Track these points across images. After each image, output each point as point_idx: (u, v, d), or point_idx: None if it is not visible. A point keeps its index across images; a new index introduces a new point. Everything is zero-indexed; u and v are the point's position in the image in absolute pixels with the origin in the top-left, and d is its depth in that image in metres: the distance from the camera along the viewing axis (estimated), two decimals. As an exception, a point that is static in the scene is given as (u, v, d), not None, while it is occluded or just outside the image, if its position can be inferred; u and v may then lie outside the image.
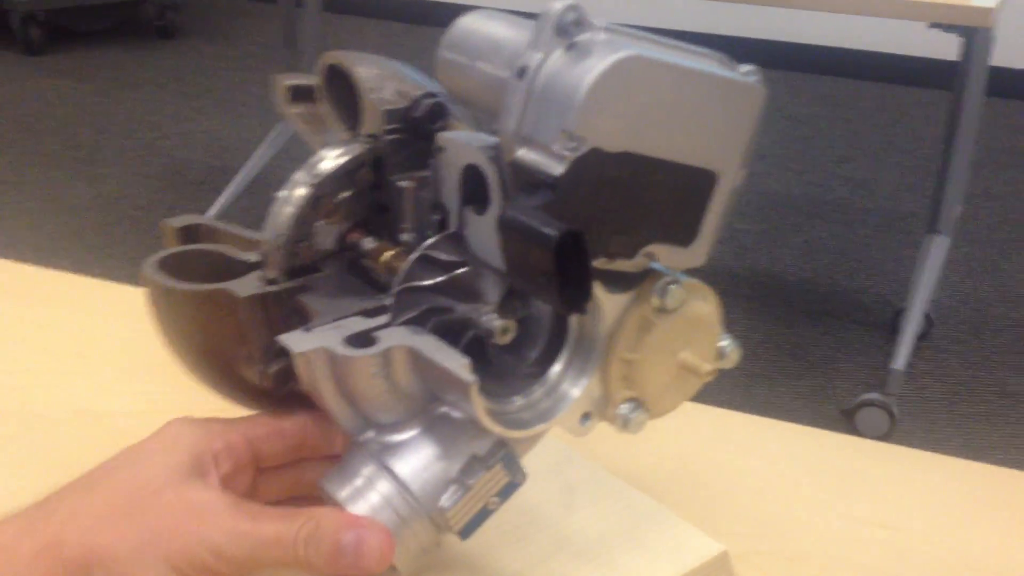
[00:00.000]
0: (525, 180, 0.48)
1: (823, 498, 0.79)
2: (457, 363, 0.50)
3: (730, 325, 0.59)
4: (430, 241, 0.54)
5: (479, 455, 0.53)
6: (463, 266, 0.54)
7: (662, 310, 0.55)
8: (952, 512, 0.78)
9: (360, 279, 0.59)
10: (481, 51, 0.51)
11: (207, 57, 4.53)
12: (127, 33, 4.70)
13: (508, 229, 0.48)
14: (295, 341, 0.52)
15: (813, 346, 2.51)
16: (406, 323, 0.53)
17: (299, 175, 0.56)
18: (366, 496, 0.53)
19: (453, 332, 0.54)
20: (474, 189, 0.52)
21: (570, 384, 0.56)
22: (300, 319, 0.55)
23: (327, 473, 0.55)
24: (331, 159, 0.56)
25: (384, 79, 0.59)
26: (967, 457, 0.83)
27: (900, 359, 2.22)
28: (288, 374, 0.54)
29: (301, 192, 0.56)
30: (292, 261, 0.56)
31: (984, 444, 2.18)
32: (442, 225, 0.56)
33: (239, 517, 0.52)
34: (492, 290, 0.55)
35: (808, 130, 3.81)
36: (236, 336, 0.55)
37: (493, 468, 0.53)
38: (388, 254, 0.56)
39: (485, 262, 0.53)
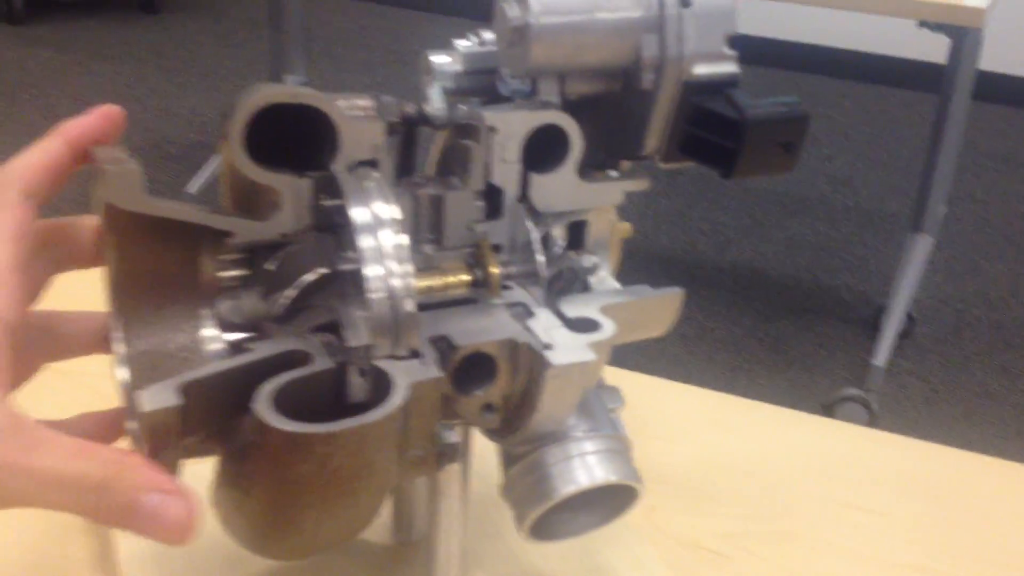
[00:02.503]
0: (703, 86, 0.55)
1: (810, 481, 0.79)
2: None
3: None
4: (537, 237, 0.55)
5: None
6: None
7: None
8: (936, 498, 0.78)
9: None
10: (593, 3, 0.54)
11: (190, 32, 4.49)
12: (110, 5, 4.65)
13: (760, 126, 0.55)
14: (555, 356, 0.49)
15: (794, 341, 2.52)
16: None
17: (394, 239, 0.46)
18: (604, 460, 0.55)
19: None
20: (542, 150, 0.54)
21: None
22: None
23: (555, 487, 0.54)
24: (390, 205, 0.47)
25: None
26: (946, 456, 0.84)
27: (881, 355, 2.22)
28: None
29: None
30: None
31: (963, 444, 2.17)
32: (495, 208, 0.55)
33: (10, 446, 0.42)
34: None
35: (792, 127, 3.82)
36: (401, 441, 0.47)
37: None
38: (493, 268, 0.55)
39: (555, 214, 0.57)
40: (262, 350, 0.45)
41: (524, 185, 0.55)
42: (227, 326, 0.48)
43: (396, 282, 0.45)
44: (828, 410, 2.23)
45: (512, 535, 0.66)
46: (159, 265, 0.48)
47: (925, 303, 2.68)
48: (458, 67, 0.56)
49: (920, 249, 2.41)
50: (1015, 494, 0.80)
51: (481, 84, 0.57)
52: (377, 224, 0.45)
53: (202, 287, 0.49)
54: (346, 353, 0.45)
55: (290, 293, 0.47)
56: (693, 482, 0.78)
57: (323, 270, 0.47)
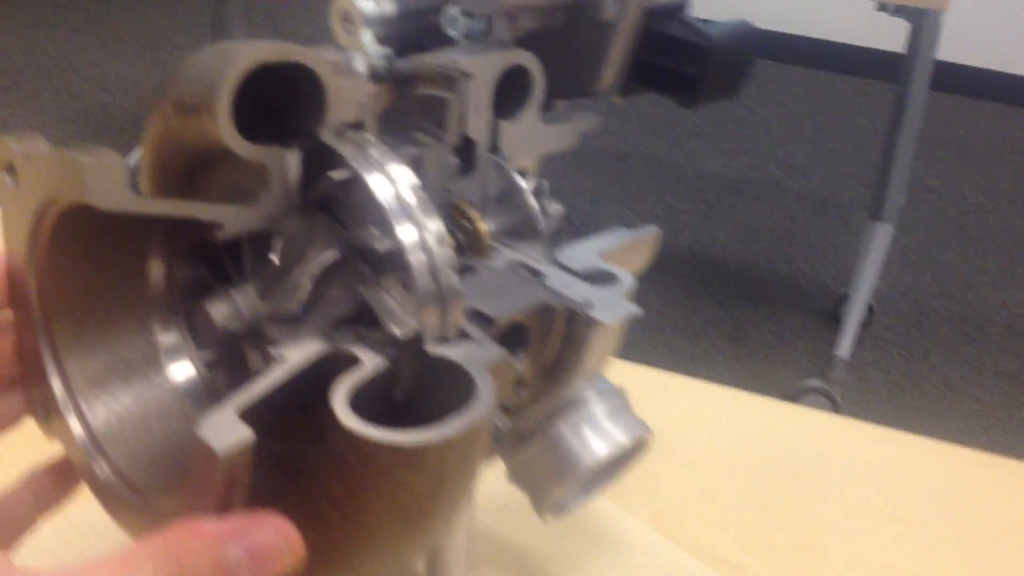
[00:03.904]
0: (661, 12, 0.53)
1: (824, 483, 0.73)
2: None
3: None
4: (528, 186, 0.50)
5: None
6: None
7: None
8: (960, 504, 0.73)
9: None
10: None
11: (128, 1, 4.35)
12: (44, -28, 4.50)
13: (723, 50, 0.53)
14: (604, 314, 0.45)
15: (753, 330, 2.47)
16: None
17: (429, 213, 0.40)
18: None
19: None
20: (508, 95, 0.49)
21: None
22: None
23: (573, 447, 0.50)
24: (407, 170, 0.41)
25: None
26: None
27: (844, 347, 2.19)
28: None
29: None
30: None
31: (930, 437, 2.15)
32: (468, 162, 0.49)
33: None
34: None
35: (743, 112, 3.78)
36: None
37: None
38: (482, 225, 0.49)
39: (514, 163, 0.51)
40: (295, 356, 0.38)
41: (494, 134, 0.49)
42: (214, 336, 0.40)
43: (436, 254, 0.38)
44: (790, 401, 2.19)
45: (513, 532, 0.61)
46: (99, 277, 0.41)
47: (884, 293, 2.65)
48: (390, 10, 0.49)
49: (880, 238, 2.38)
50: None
51: (415, 28, 0.50)
52: (400, 192, 0.39)
53: (150, 294, 0.41)
54: (392, 346, 0.38)
55: (306, 284, 0.39)
56: (699, 484, 0.72)
57: (334, 253, 0.40)
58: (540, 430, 0.50)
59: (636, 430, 0.51)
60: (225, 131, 0.36)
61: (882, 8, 2.23)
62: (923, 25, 2.26)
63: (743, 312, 2.55)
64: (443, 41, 0.50)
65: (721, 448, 0.76)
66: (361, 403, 0.35)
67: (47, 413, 0.42)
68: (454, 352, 0.38)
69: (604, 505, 0.65)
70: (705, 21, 0.54)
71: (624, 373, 0.79)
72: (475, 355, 0.38)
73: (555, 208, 0.52)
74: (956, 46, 3.38)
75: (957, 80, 3.82)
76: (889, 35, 2.48)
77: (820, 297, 2.63)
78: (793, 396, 2.20)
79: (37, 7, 4.15)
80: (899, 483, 0.75)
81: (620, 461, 0.53)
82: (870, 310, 2.48)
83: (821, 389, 2.16)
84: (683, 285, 2.58)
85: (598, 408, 0.51)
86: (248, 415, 0.34)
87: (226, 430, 0.33)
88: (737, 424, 0.79)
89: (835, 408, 2.16)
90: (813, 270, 2.78)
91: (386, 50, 0.49)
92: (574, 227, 2.85)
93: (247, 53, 0.36)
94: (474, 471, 0.38)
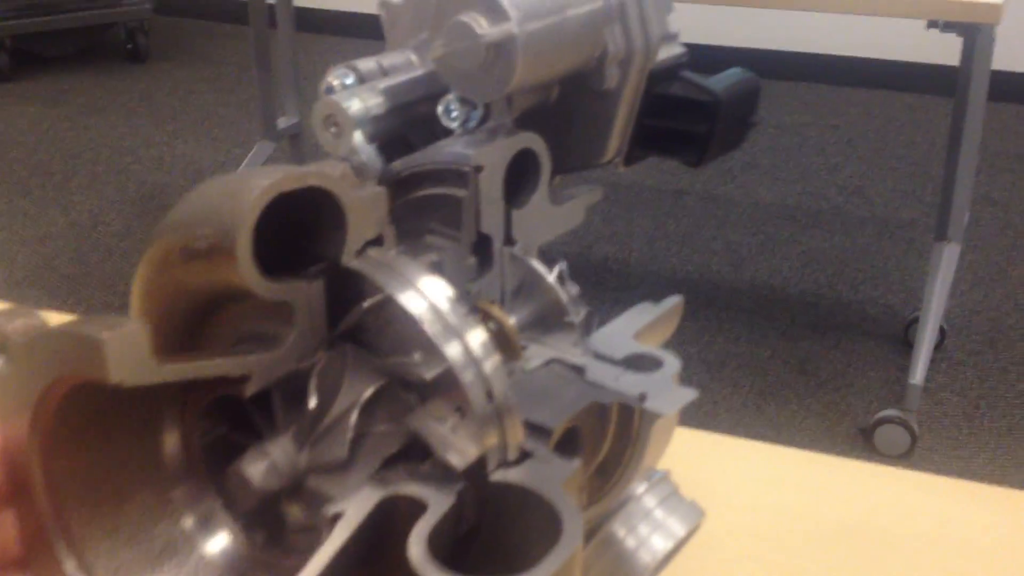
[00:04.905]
0: (661, 73, 0.51)
1: (918, 550, 0.69)
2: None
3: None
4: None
5: None
6: None
7: None
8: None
9: None
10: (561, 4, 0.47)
11: (179, 80, 4.42)
12: (96, 57, 4.57)
13: (731, 105, 0.51)
14: (660, 405, 0.43)
15: (822, 361, 2.43)
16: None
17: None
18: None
19: None
20: (518, 180, 0.48)
21: None
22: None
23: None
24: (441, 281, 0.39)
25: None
26: (994, 474, 0.74)
27: (918, 373, 2.13)
28: None
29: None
30: None
31: (1011, 461, 2.09)
32: (484, 259, 0.47)
33: None
34: None
35: (795, 138, 3.73)
36: None
37: None
38: (510, 324, 0.47)
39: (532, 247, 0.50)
40: (356, 511, 0.35)
41: (507, 225, 0.47)
42: (251, 498, 0.37)
43: (486, 368, 0.36)
44: (867, 434, 2.14)
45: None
46: (109, 453, 0.38)
47: (954, 313, 2.58)
48: (378, 107, 0.47)
49: (947, 259, 2.32)
50: None
51: (400, 122, 0.48)
52: (438, 308, 0.37)
53: (166, 464, 0.39)
54: (451, 478, 0.36)
55: (350, 425, 0.37)
56: (777, 564, 0.69)
57: (373, 387, 0.37)
58: (593, 532, 0.48)
59: (691, 518, 0.49)
60: (248, 275, 0.34)
61: (932, 26, 2.20)
62: (977, 39, 2.21)
63: (810, 343, 2.50)
64: (430, 131, 0.48)
65: (793, 518, 0.73)
66: (433, 551, 0.33)
67: None
68: (523, 477, 0.36)
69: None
70: (704, 77, 0.53)
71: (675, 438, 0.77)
72: (547, 476, 0.36)
73: (573, 291, 0.50)
74: (1010, 54, 3.32)
75: (1013, 88, 3.75)
76: (942, 49, 2.44)
77: (889, 322, 2.58)
78: (869, 428, 2.15)
79: (90, 93, 4.22)
80: (996, 546, 0.71)
81: (675, 549, 0.51)
82: (941, 332, 2.42)
83: (897, 419, 2.11)
84: (746, 320, 2.54)
85: (650, 500, 0.49)
86: None
87: None
88: (806, 488, 0.76)
89: (913, 438, 2.10)
90: (880, 295, 2.72)
91: (373, 149, 0.46)
92: (631, 272, 2.83)
93: (263, 187, 0.33)
94: None
